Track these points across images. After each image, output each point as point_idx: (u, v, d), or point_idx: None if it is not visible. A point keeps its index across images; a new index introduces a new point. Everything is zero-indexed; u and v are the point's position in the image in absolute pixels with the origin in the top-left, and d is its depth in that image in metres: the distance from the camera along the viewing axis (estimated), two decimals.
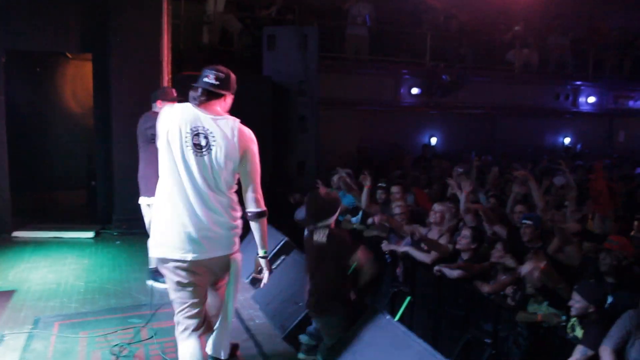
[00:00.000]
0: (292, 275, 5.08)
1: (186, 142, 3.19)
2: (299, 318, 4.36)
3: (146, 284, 5.74)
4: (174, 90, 5.64)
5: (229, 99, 3.41)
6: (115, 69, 7.87)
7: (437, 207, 6.05)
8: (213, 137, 3.20)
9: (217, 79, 3.31)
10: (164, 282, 5.57)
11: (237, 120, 3.30)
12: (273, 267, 5.37)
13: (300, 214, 4.07)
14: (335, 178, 7.56)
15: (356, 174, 8.49)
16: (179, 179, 3.21)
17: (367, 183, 6.82)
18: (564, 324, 4.30)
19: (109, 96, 7.96)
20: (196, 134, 3.20)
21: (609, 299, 4.16)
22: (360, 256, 3.86)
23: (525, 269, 4.44)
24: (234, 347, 4.06)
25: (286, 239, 5.54)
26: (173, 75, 8.14)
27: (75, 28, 7.94)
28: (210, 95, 3.28)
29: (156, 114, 5.33)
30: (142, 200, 5.59)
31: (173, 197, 3.24)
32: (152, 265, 5.70)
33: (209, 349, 3.57)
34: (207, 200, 3.22)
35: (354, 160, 11.69)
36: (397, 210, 6.28)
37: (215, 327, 3.57)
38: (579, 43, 15.35)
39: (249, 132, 3.33)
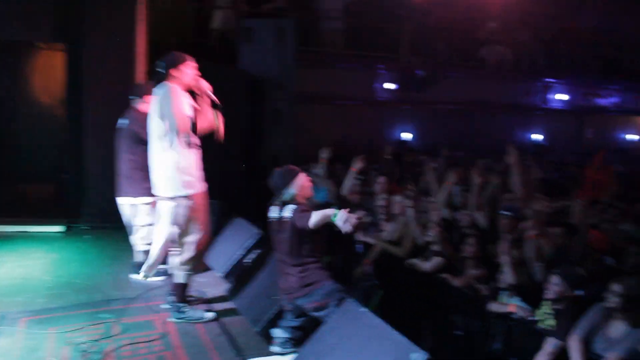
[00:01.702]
0: (266, 269, 5.06)
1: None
2: (274, 312, 4.33)
3: (118, 279, 5.67)
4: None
5: (177, 73, 4.37)
6: (88, 60, 7.69)
7: (398, 199, 6.09)
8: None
9: (159, 67, 4.42)
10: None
11: (167, 86, 4.31)
12: (247, 261, 5.41)
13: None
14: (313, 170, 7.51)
15: (331, 168, 8.48)
16: None
17: (357, 166, 6.66)
18: (532, 318, 4.35)
19: (82, 88, 7.78)
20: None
21: (580, 292, 4.22)
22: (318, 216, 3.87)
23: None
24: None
25: (260, 232, 5.52)
26: (148, 67, 8.02)
27: (46, 17, 7.74)
28: (159, 79, 4.42)
29: (141, 112, 5.31)
30: (128, 201, 5.55)
31: None
32: (137, 259, 5.64)
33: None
34: (153, 148, 4.44)
35: (329, 155, 11.65)
36: (380, 203, 6.25)
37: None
38: (550, 41, 15.57)
39: (167, 92, 4.27)
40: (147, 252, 5.56)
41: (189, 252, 4.54)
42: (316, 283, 3.99)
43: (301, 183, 4.17)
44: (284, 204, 4.11)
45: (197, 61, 4.55)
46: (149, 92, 5.32)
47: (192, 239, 4.53)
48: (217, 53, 10.31)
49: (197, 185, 4.49)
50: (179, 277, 4.60)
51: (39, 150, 9.62)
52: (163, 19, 10.03)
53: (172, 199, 4.40)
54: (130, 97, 5.60)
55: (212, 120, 4.62)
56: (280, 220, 4.10)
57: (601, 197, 6.12)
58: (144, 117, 5.22)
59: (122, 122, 5.57)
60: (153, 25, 9.11)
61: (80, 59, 7.80)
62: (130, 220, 5.63)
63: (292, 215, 4.00)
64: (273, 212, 4.21)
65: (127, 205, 5.56)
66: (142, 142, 5.26)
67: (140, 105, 5.48)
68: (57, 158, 9.13)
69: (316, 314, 3.99)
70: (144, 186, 5.32)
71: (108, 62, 7.63)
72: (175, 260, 4.57)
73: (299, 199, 4.13)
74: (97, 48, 7.67)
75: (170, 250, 4.61)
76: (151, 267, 4.72)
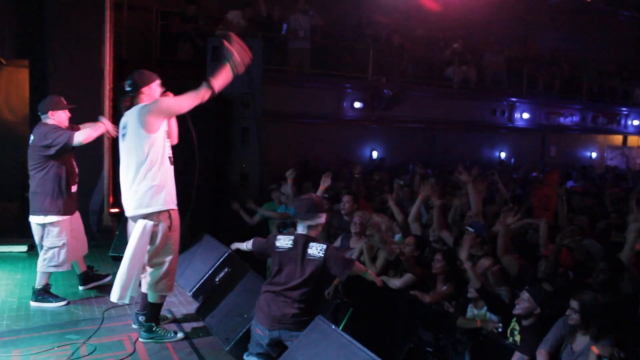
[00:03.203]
0: (235, 287, 5.04)
1: (120, 135, 4.44)
2: (244, 330, 4.30)
3: (85, 299, 5.56)
4: (62, 99, 5.46)
5: (148, 91, 4.38)
6: (53, 78, 7.61)
7: (356, 216, 6.10)
8: (126, 127, 4.34)
9: (129, 85, 4.37)
10: (51, 301, 5.39)
11: (139, 107, 4.29)
12: (216, 279, 5.37)
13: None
14: (282, 189, 7.51)
15: (299, 187, 8.52)
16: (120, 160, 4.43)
17: (325, 184, 6.59)
18: (500, 329, 4.43)
19: None
20: (122, 127, 4.39)
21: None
22: (357, 269, 3.97)
23: (482, 265, 4.57)
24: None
25: (230, 250, 5.49)
26: (115, 85, 7.97)
27: (9, 33, 7.64)
28: (129, 101, 4.39)
29: (52, 127, 5.24)
30: (35, 219, 5.33)
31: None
32: (41, 284, 5.43)
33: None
34: (125, 171, 4.34)
35: (298, 173, 11.71)
36: (356, 220, 6.24)
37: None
38: (513, 61, 16.01)
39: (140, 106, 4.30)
40: (47, 275, 5.44)
41: (162, 272, 4.49)
42: (309, 321, 3.85)
43: (323, 221, 4.12)
44: (304, 237, 3.99)
45: (164, 79, 4.57)
46: (54, 107, 5.33)
47: (167, 258, 4.48)
48: (183, 70, 10.32)
49: (175, 201, 4.47)
50: (152, 297, 4.54)
51: (1, 168, 9.41)
52: (130, 37, 10.02)
53: (151, 215, 4.31)
54: (38, 112, 5.39)
55: (177, 132, 4.67)
56: (302, 255, 3.93)
57: (552, 215, 6.24)
58: (50, 131, 5.18)
59: (31, 138, 5.32)
60: (120, 42, 9.09)
61: (45, 75, 7.72)
62: (40, 240, 5.38)
63: (323, 256, 3.88)
64: (285, 242, 4.04)
65: (36, 224, 5.33)
66: (49, 158, 5.21)
67: (47, 120, 5.31)
68: (21, 176, 8.96)
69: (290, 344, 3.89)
70: (53, 204, 5.25)
71: (74, 79, 7.56)
72: (149, 280, 4.49)
73: (314, 234, 4.06)
74: (63, 64, 7.60)
75: (143, 270, 4.50)
76: (124, 290, 4.38)
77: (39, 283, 5.41)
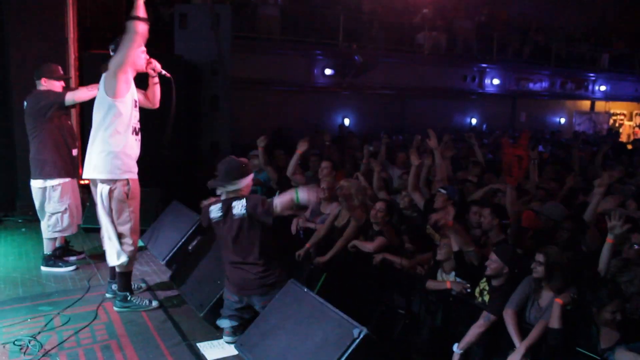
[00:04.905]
0: (207, 254, 5.06)
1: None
2: (217, 296, 4.34)
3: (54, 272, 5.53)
4: (59, 68, 5.53)
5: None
6: (14, 46, 7.42)
7: (323, 182, 6.16)
8: (99, 90, 4.40)
9: (112, 50, 4.37)
10: (60, 266, 5.48)
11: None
12: (189, 247, 5.38)
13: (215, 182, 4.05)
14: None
15: (272, 154, 8.50)
16: None
17: (302, 148, 6.73)
18: (469, 290, 4.54)
19: (8, 74, 7.51)
20: (98, 90, 4.44)
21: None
22: (281, 206, 3.88)
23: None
24: None
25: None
26: (80, 54, 7.80)
27: None
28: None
29: (44, 92, 5.33)
30: (35, 183, 5.44)
31: None
32: (50, 249, 5.56)
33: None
34: (91, 134, 4.35)
35: (270, 140, 11.67)
36: (323, 185, 6.28)
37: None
38: (483, 27, 16.04)
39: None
40: (53, 241, 5.58)
41: (128, 239, 4.49)
42: (276, 284, 3.90)
43: (249, 182, 4.10)
44: (228, 201, 3.97)
45: None
46: (47, 75, 5.38)
47: (127, 225, 4.47)
48: (151, 39, 10.11)
49: (134, 170, 4.46)
50: (121, 265, 4.54)
51: None
52: (94, 4, 9.76)
53: (109, 181, 4.32)
54: (34, 77, 5.45)
55: (159, 97, 4.78)
56: (229, 218, 3.92)
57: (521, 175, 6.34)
58: (43, 97, 5.29)
59: (24, 104, 5.42)
60: (84, 10, 8.85)
61: (5, 43, 7.51)
62: (42, 206, 5.48)
63: (245, 211, 3.85)
64: (215, 212, 4.01)
65: (37, 188, 5.42)
66: (44, 122, 5.28)
67: (40, 87, 5.40)
68: None
69: (263, 309, 3.92)
70: (52, 167, 5.34)
71: (37, 48, 7.37)
72: (116, 248, 4.48)
73: (240, 195, 4.02)
74: (24, 33, 7.40)
75: (110, 238, 4.49)
76: (118, 253, 4.46)
77: (47, 249, 5.56)
